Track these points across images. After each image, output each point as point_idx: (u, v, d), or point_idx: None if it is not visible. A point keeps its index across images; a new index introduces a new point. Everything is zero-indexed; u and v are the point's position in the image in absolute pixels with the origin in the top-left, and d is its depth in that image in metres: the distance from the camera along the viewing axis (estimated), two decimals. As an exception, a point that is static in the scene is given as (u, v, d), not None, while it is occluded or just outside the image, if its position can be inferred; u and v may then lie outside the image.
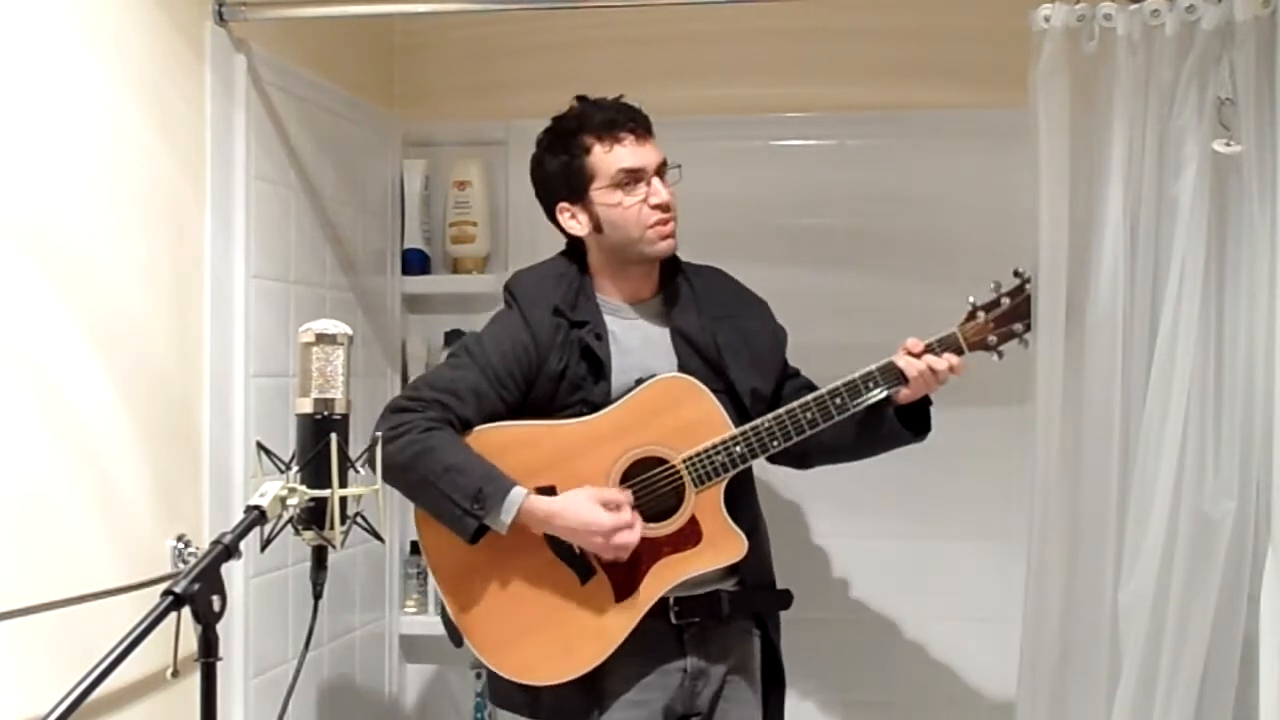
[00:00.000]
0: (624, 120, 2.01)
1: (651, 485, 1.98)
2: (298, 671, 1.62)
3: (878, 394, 1.96)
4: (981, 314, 1.96)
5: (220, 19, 2.06)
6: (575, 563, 1.98)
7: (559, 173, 2.04)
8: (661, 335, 2.08)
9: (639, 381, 2.00)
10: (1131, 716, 1.79)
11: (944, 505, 2.70)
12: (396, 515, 2.83)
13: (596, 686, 2.01)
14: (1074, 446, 1.86)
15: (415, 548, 2.86)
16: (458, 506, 1.89)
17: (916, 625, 2.70)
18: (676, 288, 2.10)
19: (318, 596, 1.56)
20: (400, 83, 2.90)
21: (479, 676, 2.85)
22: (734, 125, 2.78)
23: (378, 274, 2.73)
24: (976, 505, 2.64)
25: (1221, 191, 1.77)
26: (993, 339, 1.96)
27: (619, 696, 2.01)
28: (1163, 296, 1.79)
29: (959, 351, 1.96)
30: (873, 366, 1.96)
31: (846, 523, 2.72)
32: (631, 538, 1.92)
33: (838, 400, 1.96)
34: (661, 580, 1.97)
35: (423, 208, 2.84)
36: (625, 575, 1.97)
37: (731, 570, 2.06)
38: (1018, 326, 1.95)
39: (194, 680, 1.40)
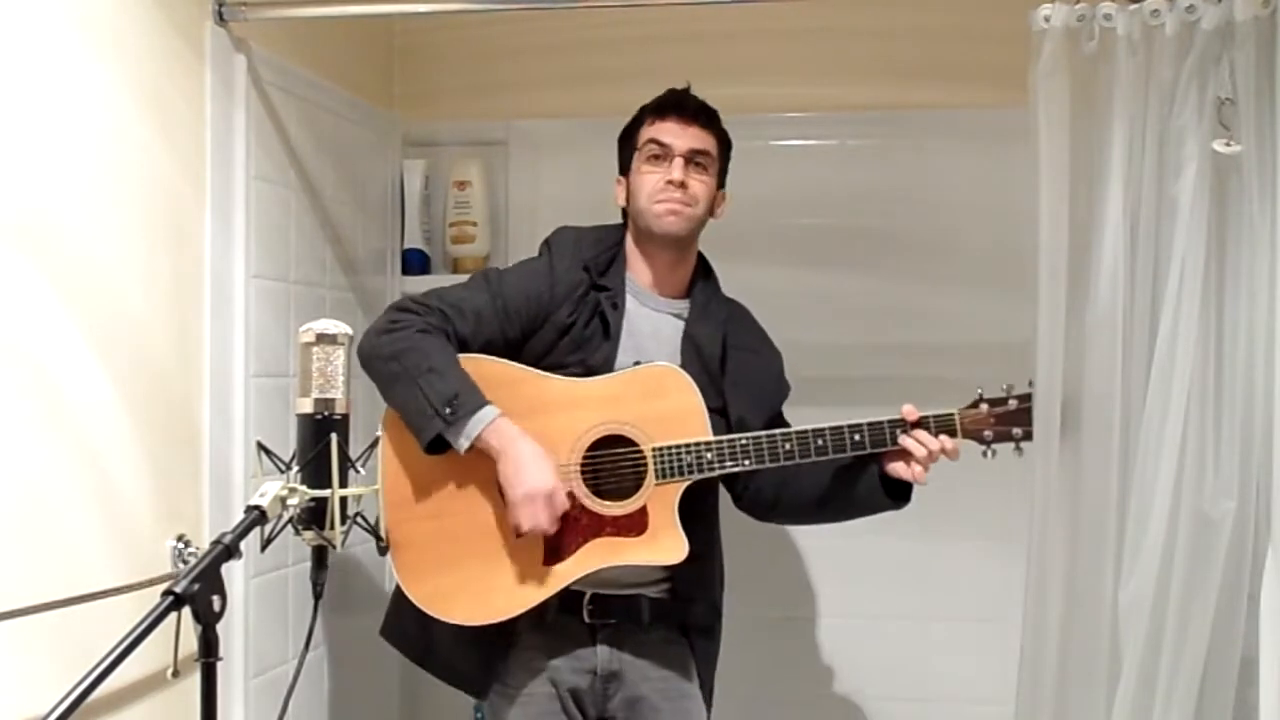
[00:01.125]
0: (677, 103, 2.09)
1: (615, 464, 1.96)
2: (298, 671, 1.62)
3: (859, 450, 1.95)
4: (985, 406, 1.96)
5: (220, 19, 2.06)
6: None
7: (620, 145, 2.14)
8: (674, 334, 2.08)
9: (637, 364, 2.00)
10: (1131, 717, 1.79)
11: (944, 506, 2.69)
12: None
13: (495, 664, 2.00)
14: (1074, 446, 1.86)
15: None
16: (430, 405, 1.87)
17: (916, 625, 2.70)
18: (706, 301, 2.12)
19: (318, 596, 1.56)
20: (400, 83, 2.90)
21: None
22: (734, 125, 2.76)
23: (378, 274, 2.73)
24: (976, 505, 2.64)
25: (1221, 191, 1.77)
26: (989, 434, 1.96)
27: (519, 678, 2.00)
28: (1163, 296, 1.79)
29: (952, 434, 1.95)
30: (863, 421, 1.95)
31: (845, 523, 2.72)
32: (546, 520, 1.86)
33: (819, 441, 1.95)
34: (592, 558, 1.94)
35: (423, 208, 2.84)
36: (559, 541, 1.93)
37: (665, 579, 2.04)
38: (1016, 431, 1.95)
39: (194, 680, 1.40)
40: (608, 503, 1.95)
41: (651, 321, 2.08)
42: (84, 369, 1.72)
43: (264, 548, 1.52)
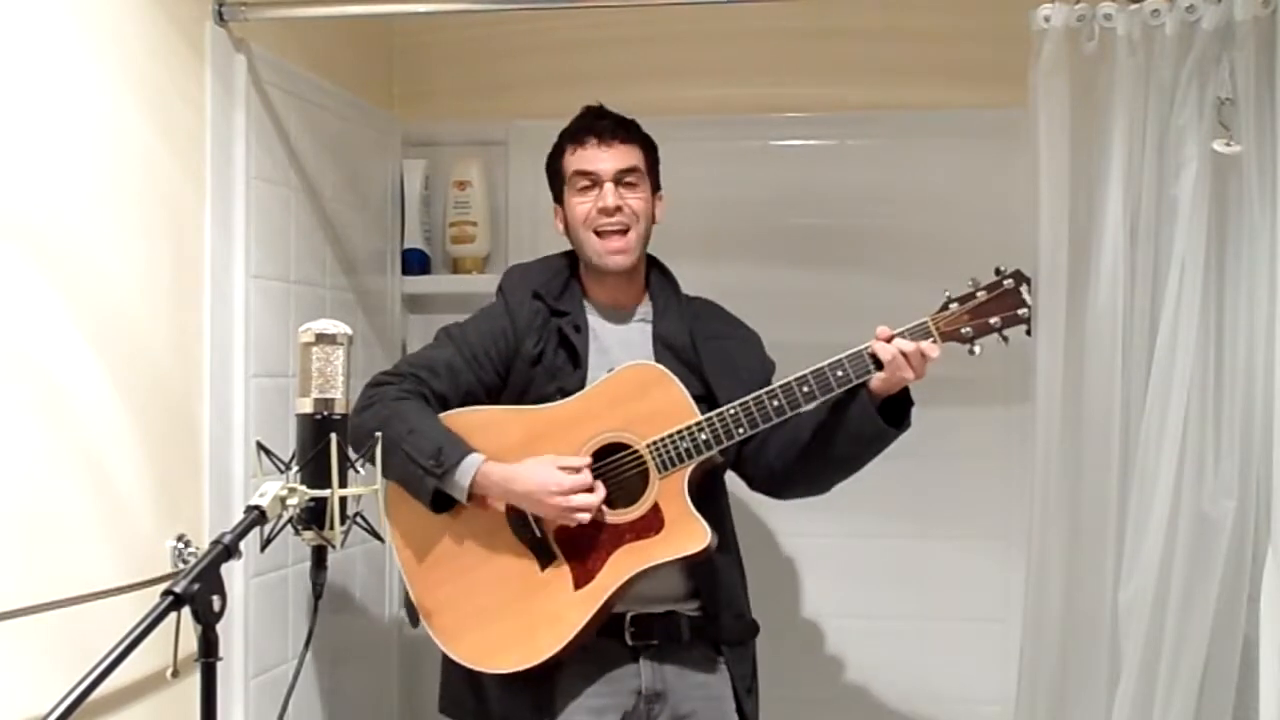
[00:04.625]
0: (591, 126, 2.07)
1: (616, 471, 1.97)
2: (298, 671, 1.62)
3: (846, 384, 1.92)
4: (955, 305, 1.93)
5: (220, 19, 2.06)
6: (536, 546, 1.97)
7: (548, 176, 2.15)
8: (644, 341, 2.08)
9: (610, 370, 2.00)
10: (1131, 716, 1.79)
11: (944, 505, 2.70)
12: (396, 515, 2.83)
13: (548, 698, 1.99)
14: (1074, 446, 1.86)
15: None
16: (419, 466, 1.89)
17: (916, 625, 2.70)
18: (667, 303, 2.12)
19: (318, 596, 1.56)
20: (400, 83, 2.90)
21: (479, 676, 2.85)
22: (734, 125, 2.78)
23: (378, 274, 2.73)
24: (976, 505, 2.64)
25: (1221, 191, 1.77)
26: (967, 330, 1.91)
27: (571, 709, 1.99)
28: (1163, 296, 1.79)
29: (930, 339, 1.92)
30: (840, 355, 1.92)
31: (846, 523, 2.72)
32: (591, 500, 1.89)
33: (805, 388, 1.92)
34: (621, 568, 1.94)
35: (423, 208, 2.84)
36: (585, 562, 1.95)
37: (694, 593, 2.04)
38: (995, 321, 1.90)
39: (194, 680, 1.40)
40: (620, 510, 1.95)
41: (618, 335, 2.09)
42: (84, 369, 1.72)
43: (264, 548, 1.51)
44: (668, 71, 2.73)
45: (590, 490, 1.91)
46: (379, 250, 2.74)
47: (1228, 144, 1.73)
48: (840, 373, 1.92)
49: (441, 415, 1.99)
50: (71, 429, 1.70)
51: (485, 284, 2.80)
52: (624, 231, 2.03)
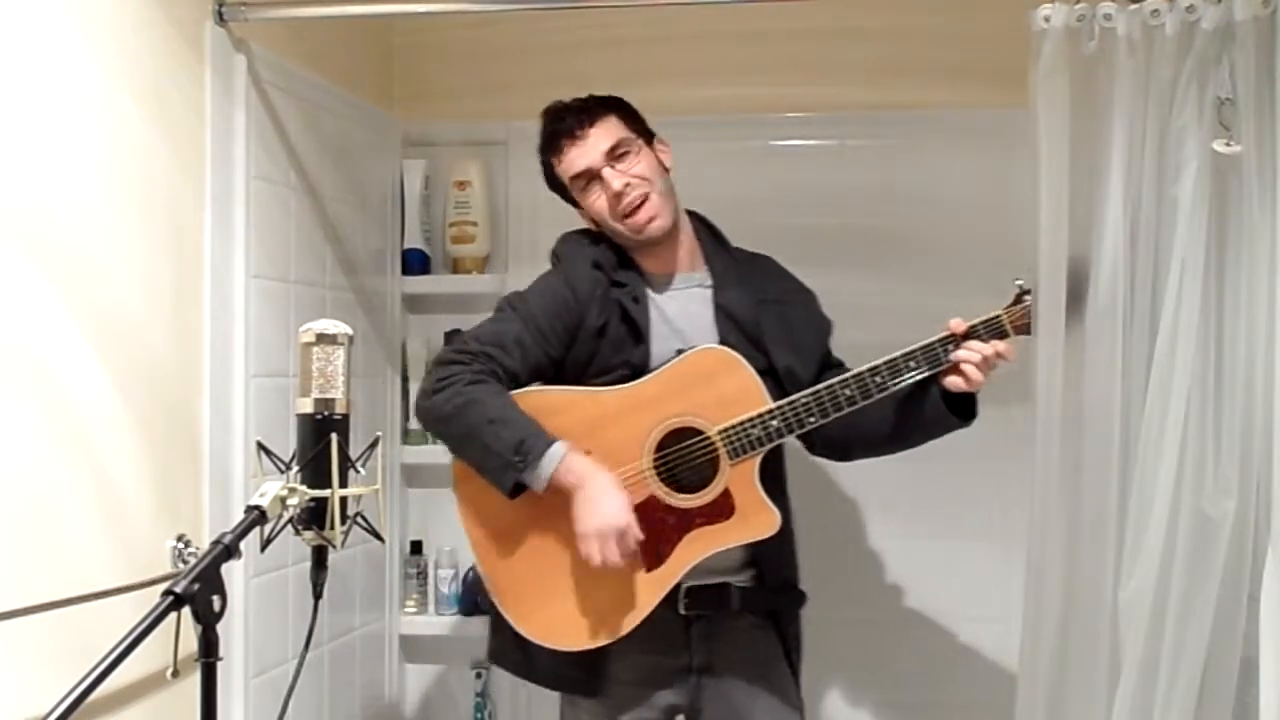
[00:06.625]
0: (558, 129, 2.07)
1: (686, 455, 1.98)
2: (298, 671, 1.62)
3: (917, 374, 1.94)
4: (1028, 298, 1.92)
5: (220, 19, 2.06)
6: None
7: (554, 191, 2.15)
8: (704, 309, 2.09)
9: (679, 352, 2.01)
10: (1131, 716, 1.79)
11: (944, 505, 2.70)
12: (396, 515, 2.83)
13: (597, 667, 2.02)
14: (1074, 446, 1.86)
15: (415, 547, 2.86)
16: (500, 458, 1.90)
17: (916, 625, 2.70)
18: (725, 268, 2.12)
19: (318, 596, 1.56)
20: (400, 83, 2.90)
21: (479, 676, 2.85)
22: (734, 125, 2.78)
23: (378, 274, 2.73)
24: (976, 505, 2.64)
25: (1221, 191, 1.76)
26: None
27: (620, 685, 2.03)
28: (1163, 296, 1.78)
29: (1003, 335, 1.93)
30: (914, 345, 1.95)
31: (846, 523, 2.73)
32: (617, 556, 1.88)
33: (877, 378, 1.94)
34: (692, 552, 1.97)
35: (423, 208, 2.84)
36: (655, 546, 1.97)
37: (750, 563, 2.06)
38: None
39: (194, 680, 1.40)
40: (690, 495, 1.97)
41: (678, 301, 2.09)
42: (84, 369, 1.72)
43: (264, 548, 1.51)
44: (668, 72, 2.73)
45: (630, 552, 1.90)
46: (379, 250, 2.74)
47: (1228, 144, 1.73)
48: (913, 364, 1.94)
49: (513, 394, 1.98)
50: (71, 429, 1.70)
51: (485, 284, 2.81)
52: (644, 200, 2.03)
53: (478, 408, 1.93)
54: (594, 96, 2.09)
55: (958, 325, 1.93)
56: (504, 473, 1.91)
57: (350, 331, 1.57)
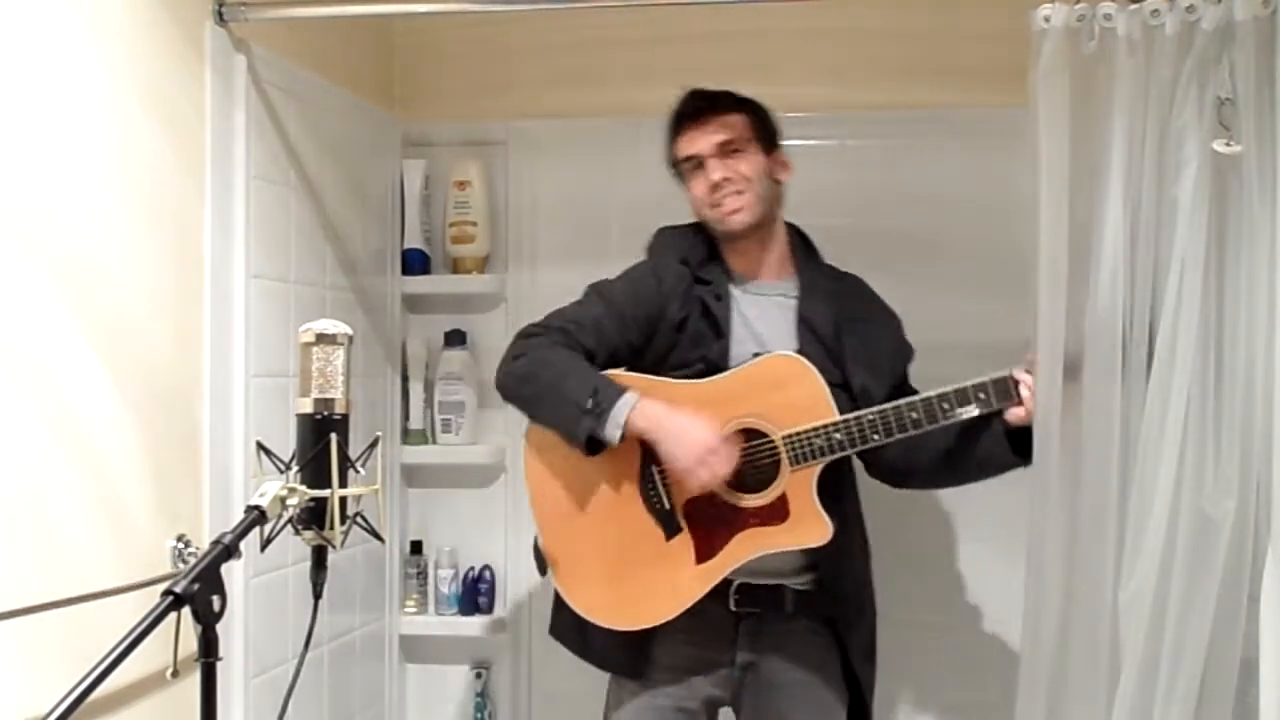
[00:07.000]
0: (684, 111, 2.13)
1: (750, 456, 2.00)
2: (298, 671, 1.62)
3: (985, 406, 1.93)
4: None
5: (220, 19, 2.06)
6: (663, 517, 2.03)
7: (668, 166, 2.18)
8: (783, 316, 2.11)
9: (756, 355, 2.04)
10: (1131, 716, 1.79)
11: (943, 505, 2.69)
12: (396, 515, 2.83)
13: (644, 651, 2.06)
14: (1074, 447, 1.86)
15: (415, 547, 2.86)
16: (575, 407, 1.94)
17: (915, 625, 2.70)
18: (813, 281, 2.15)
19: (318, 596, 1.56)
20: (400, 83, 2.90)
21: (479, 676, 2.85)
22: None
23: (378, 274, 2.73)
24: (977, 505, 2.64)
25: (1221, 191, 1.76)
26: None
27: (664, 670, 2.07)
28: (1163, 296, 1.78)
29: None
30: (986, 377, 1.94)
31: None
32: (724, 467, 1.93)
33: (945, 405, 1.94)
34: (742, 550, 1.99)
35: (423, 208, 2.84)
36: (708, 539, 2.00)
37: (809, 568, 2.08)
38: None
39: (194, 680, 1.40)
40: (748, 495, 1.99)
41: (759, 306, 2.11)
42: (84, 369, 1.72)
43: (264, 548, 1.51)
44: (668, 72, 2.71)
45: (728, 460, 1.94)
46: (379, 250, 2.74)
47: (1228, 144, 1.73)
48: (982, 395, 1.94)
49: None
50: (72, 429, 1.70)
51: (485, 284, 2.81)
52: (738, 195, 2.07)
53: (551, 368, 1.99)
54: (731, 93, 2.15)
55: (1031, 360, 1.88)
56: (578, 422, 1.94)
57: (350, 331, 1.57)
